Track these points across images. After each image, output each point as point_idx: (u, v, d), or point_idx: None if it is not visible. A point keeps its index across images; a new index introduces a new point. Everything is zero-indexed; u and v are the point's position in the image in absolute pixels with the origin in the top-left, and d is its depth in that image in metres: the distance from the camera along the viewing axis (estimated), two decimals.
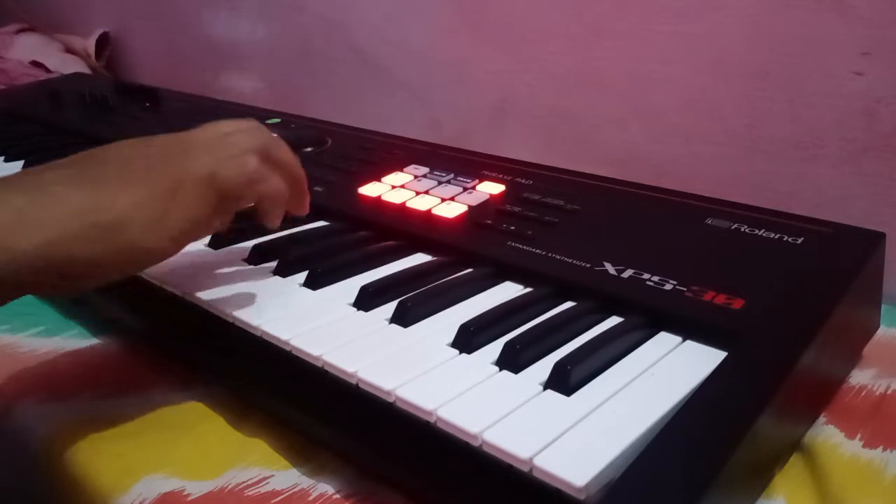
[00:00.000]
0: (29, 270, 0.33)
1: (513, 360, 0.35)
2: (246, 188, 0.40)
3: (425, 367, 0.35)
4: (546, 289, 0.41)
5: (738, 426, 0.30)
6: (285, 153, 0.43)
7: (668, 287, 0.39)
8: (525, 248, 0.44)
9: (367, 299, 0.41)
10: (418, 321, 0.39)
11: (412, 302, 0.40)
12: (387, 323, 0.39)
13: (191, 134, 0.41)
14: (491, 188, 0.52)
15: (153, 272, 0.45)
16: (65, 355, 0.48)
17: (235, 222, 0.44)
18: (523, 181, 0.53)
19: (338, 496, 0.35)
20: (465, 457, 0.31)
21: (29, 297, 0.38)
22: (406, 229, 0.49)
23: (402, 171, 0.57)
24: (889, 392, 0.41)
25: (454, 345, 0.37)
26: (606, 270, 0.41)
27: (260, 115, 0.76)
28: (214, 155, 0.39)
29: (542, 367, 0.34)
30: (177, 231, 0.37)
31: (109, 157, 0.38)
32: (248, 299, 0.42)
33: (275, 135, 0.43)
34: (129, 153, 0.39)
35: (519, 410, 0.31)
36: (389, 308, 0.40)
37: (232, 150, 0.40)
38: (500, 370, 0.35)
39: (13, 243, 0.32)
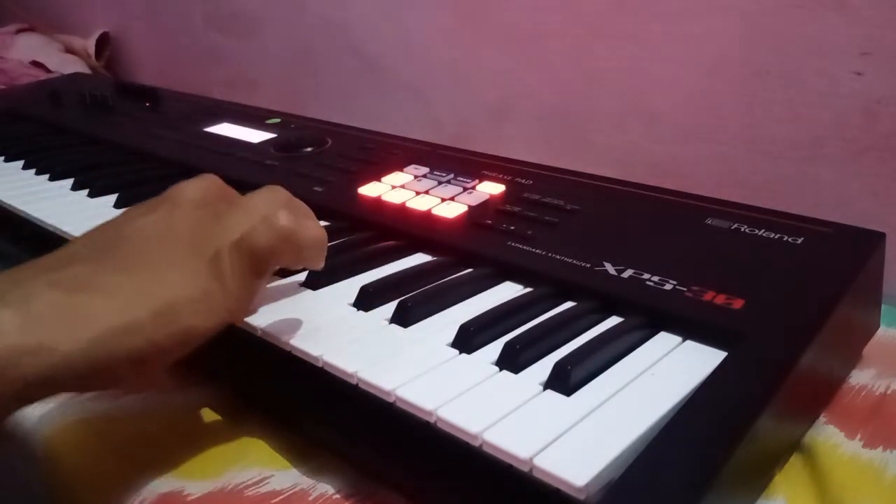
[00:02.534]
0: (69, 373, 0.29)
1: (513, 360, 0.35)
2: (280, 244, 0.36)
3: (425, 367, 0.35)
4: (546, 289, 0.41)
5: (738, 426, 0.30)
6: (306, 215, 0.39)
7: (668, 287, 0.39)
8: (525, 248, 0.44)
9: (366, 299, 0.41)
10: (418, 321, 0.39)
11: (412, 302, 0.40)
12: (387, 323, 0.39)
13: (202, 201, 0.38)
14: (491, 188, 0.52)
15: None
16: None
17: None
18: (523, 181, 0.53)
19: (338, 496, 0.35)
20: (465, 457, 0.31)
21: None
22: (406, 229, 0.49)
23: (402, 171, 0.57)
24: (889, 392, 0.41)
25: (454, 345, 0.37)
26: (606, 270, 0.41)
27: (260, 115, 0.76)
28: (242, 218, 0.36)
29: (542, 367, 0.34)
30: (224, 307, 0.34)
31: (136, 237, 0.35)
32: None
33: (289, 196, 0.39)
34: (157, 228, 0.36)
35: (519, 410, 0.31)
36: (389, 308, 0.40)
37: (258, 210, 0.37)
38: (500, 370, 0.35)
39: (56, 343, 0.29)
